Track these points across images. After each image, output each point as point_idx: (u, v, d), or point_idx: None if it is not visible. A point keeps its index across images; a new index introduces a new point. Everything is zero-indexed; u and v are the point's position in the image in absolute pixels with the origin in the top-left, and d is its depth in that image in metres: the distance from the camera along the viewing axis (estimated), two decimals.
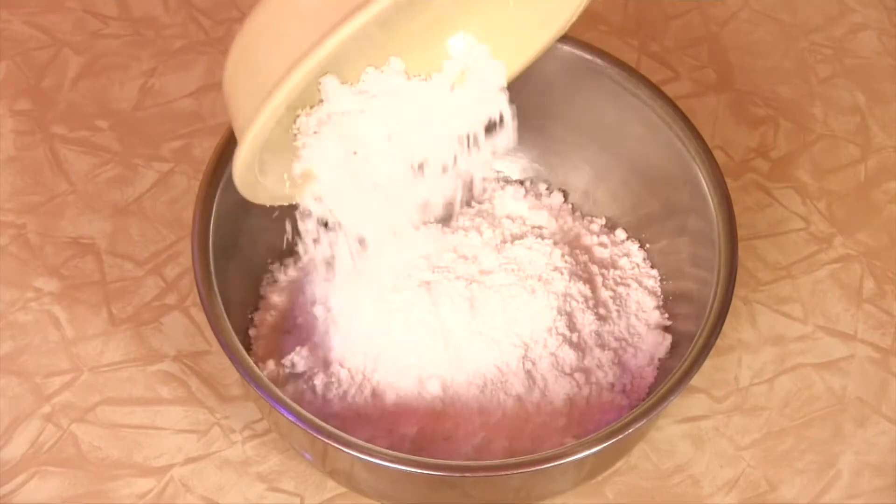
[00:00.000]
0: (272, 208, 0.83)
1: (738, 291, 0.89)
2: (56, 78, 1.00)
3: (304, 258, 0.80)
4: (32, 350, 0.87)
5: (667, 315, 0.86)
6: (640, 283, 0.87)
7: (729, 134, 1.00)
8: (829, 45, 1.06)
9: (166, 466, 0.83)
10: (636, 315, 0.85)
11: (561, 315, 0.82)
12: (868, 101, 1.02)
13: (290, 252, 0.88)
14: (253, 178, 0.70)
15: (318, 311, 0.83)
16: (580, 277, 0.85)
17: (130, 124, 0.98)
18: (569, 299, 0.84)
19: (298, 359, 0.81)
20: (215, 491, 0.82)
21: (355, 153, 0.73)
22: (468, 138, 0.75)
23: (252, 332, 0.84)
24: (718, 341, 0.76)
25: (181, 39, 1.02)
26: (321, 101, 0.71)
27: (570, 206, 0.92)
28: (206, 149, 0.96)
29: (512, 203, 0.90)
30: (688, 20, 1.06)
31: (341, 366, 0.80)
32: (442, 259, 0.84)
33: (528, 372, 0.81)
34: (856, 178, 0.98)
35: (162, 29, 1.03)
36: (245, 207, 0.84)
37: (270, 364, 0.81)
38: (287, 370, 0.81)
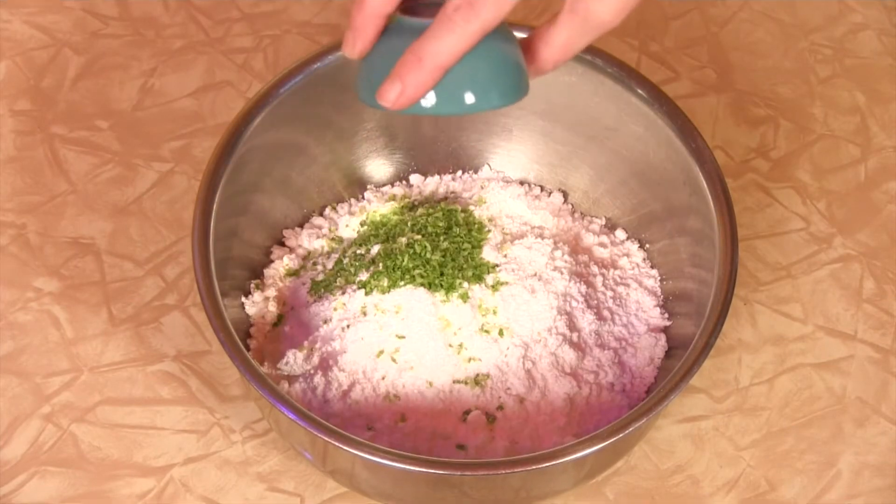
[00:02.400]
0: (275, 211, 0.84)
1: (738, 291, 0.89)
2: (56, 78, 1.00)
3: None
4: (32, 350, 0.87)
5: (667, 315, 0.86)
6: (639, 283, 0.87)
7: (729, 134, 1.00)
8: (829, 45, 1.06)
9: (166, 466, 0.83)
10: (636, 315, 0.85)
11: (561, 315, 0.83)
12: (868, 101, 1.02)
13: (289, 253, 0.88)
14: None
15: (317, 312, 0.83)
16: (580, 277, 0.85)
17: (130, 124, 0.98)
18: (569, 299, 0.84)
19: (296, 360, 0.81)
20: (215, 491, 0.82)
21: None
22: None
23: (251, 331, 0.84)
24: (718, 341, 0.76)
25: (181, 39, 1.02)
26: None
27: (569, 206, 0.92)
28: (206, 149, 0.96)
29: (511, 203, 0.90)
30: (688, 20, 1.06)
31: (341, 367, 0.80)
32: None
33: (529, 371, 0.81)
34: (856, 178, 0.98)
35: (162, 29, 1.03)
36: (244, 207, 0.84)
37: (268, 366, 0.81)
38: (285, 372, 0.81)
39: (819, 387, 0.88)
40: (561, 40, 0.66)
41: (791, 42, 1.06)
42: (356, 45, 0.67)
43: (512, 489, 0.76)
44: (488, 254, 0.85)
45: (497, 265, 0.85)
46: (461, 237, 0.85)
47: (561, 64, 0.68)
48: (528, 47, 0.67)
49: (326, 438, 0.71)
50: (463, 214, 0.87)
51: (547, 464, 0.71)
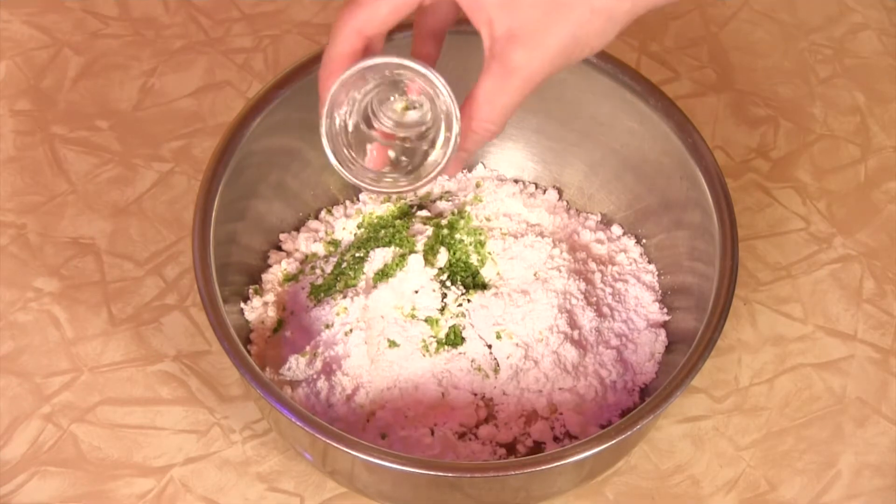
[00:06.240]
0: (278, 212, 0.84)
1: (738, 291, 0.89)
2: (56, 78, 1.00)
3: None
4: (32, 350, 0.87)
5: (665, 310, 0.86)
6: (638, 279, 0.87)
7: (729, 134, 1.00)
8: (829, 45, 1.06)
9: (166, 466, 0.83)
10: (635, 311, 0.85)
11: (562, 313, 0.83)
12: (868, 101, 1.02)
13: (286, 257, 0.88)
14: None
15: (317, 317, 0.83)
16: (579, 275, 0.85)
17: (130, 124, 0.98)
18: (568, 297, 0.84)
19: (298, 366, 0.80)
20: (215, 491, 0.82)
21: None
22: None
23: (252, 337, 0.84)
24: (718, 341, 0.76)
25: (181, 39, 1.02)
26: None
27: (564, 203, 0.92)
28: (206, 149, 0.96)
29: (508, 201, 0.90)
30: (688, 20, 1.06)
31: (344, 371, 0.80)
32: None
33: (532, 371, 0.81)
34: (856, 178, 0.98)
35: (162, 29, 1.03)
36: (241, 213, 0.84)
37: (270, 371, 0.81)
38: (288, 377, 0.81)
39: (819, 387, 0.88)
40: (486, 89, 0.65)
41: (791, 42, 1.06)
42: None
43: (512, 490, 0.76)
44: (489, 254, 0.85)
45: (497, 265, 0.85)
46: (462, 242, 0.85)
47: (493, 122, 0.66)
48: (463, 110, 0.66)
49: (326, 440, 0.71)
50: (462, 221, 0.87)
51: (547, 465, 0.71)
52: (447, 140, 0.67)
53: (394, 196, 0.88)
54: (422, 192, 0.92)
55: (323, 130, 0.68)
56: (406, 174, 0.70)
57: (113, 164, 0.96)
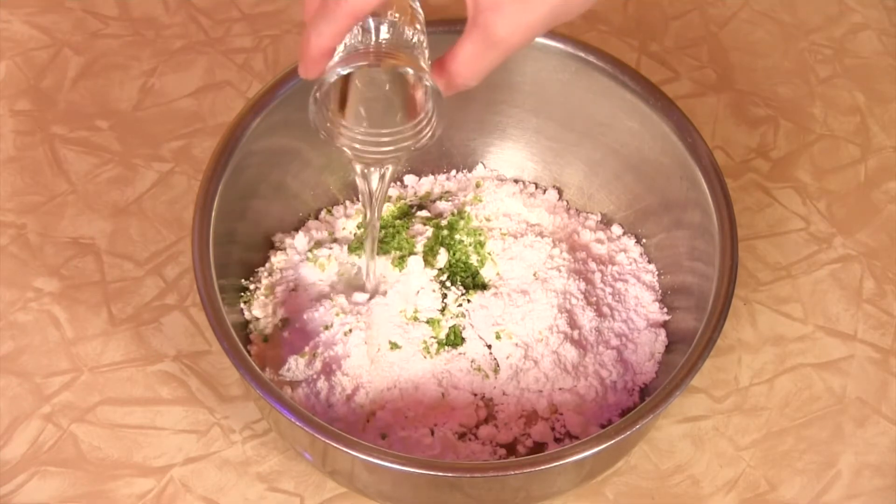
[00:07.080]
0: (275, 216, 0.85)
1: (738, 291, 0.89)
2: (56, 78, 1.00)
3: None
4: (32, 350, 0.87)
5: (665, 310, 0.86)
6: (638, 279, 0.87)
7: (729, 134, 1.00)
8: (829, 45, 1.06)
9: (166, 466, 0.83)
10: (635, 310, 0.85)
11: (561, 313, 0.83)
12: (868, 101, 1.02)
13: (286, 257, 0.88)
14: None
15: (317, 317, 0.83)
16: (579, 274, 0.85)
17: (130, 124, 0.98)
18: (568, 297, 0.84)
19: (298, 366, 0.80)
20: (215, 491, 0.82)
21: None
22: None
23: (251, 337, 0.84)
24: (718, 341, 0.76)
25: (181, 39, 1.02)
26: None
27: (564, 202, 0.92)
28: (206, 149, 0.96)
29: (508, 201, 0.90)
30: (688, 20, 1.06)
31: (344, 371, 0.80)
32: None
33: (532, 371, 0.81)
34: (856, 178, 0.98)
35: (162, 29, 1.03)
36: (241, 212, 0.84)
37: (269, 372, 0.81)
38: (287, 378, 0.81)
39: (819, 387, 0.88)
40: (466, 54, 0.66)
41: (791, 42, 1.06)
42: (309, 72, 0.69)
43: (512, 490, 0.76)
44: (488, 254, 0.85)
45: (497, 265, 0.85)
46: (462, 243, 0.85)
47: (470, 80, 0.67)
48: (440, 63, 0.67)
49: (326, 440, 0.71)
50: (462, 221, 0.87)
51: (547, 466, 0.71)
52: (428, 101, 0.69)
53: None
54: (421, 190, 0.92)
55: (312, 109, 0.69)
56: (401, 140, 0.71)
57: (113, 164, 0.96)
